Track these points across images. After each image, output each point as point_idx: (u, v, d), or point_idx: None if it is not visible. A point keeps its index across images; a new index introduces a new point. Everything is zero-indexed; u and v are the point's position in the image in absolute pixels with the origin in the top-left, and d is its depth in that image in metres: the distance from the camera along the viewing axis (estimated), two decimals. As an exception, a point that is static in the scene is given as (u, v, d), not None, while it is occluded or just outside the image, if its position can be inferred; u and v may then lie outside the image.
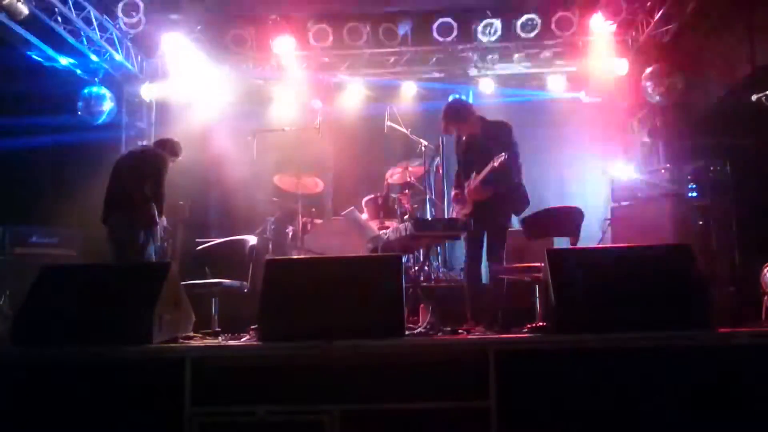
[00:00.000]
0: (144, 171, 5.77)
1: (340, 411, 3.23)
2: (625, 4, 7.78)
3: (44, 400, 3.34)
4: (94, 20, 7.79)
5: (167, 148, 6.06)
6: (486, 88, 9.10)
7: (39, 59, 7.83)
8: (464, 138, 5.52)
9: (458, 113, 5.41)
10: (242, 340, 4.16)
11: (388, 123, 7.10)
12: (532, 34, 8.41)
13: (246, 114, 9.03)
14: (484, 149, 5.19)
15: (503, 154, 4.86)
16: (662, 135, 8.66)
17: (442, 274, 7.24)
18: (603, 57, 8.73)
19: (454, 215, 5.59)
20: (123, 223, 5.58)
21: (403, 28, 8.65)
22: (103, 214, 5.76)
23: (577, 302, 3.53)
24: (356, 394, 3.27)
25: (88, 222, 7.21)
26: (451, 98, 8.11)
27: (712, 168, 7.09)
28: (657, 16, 7.91)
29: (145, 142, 8.95)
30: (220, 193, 9.03)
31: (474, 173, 5.27)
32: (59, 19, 7.42)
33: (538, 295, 4.67)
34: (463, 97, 8.60)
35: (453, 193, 5.62)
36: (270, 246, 7.57)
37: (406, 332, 3.78)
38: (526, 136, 7.56)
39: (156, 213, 5.69)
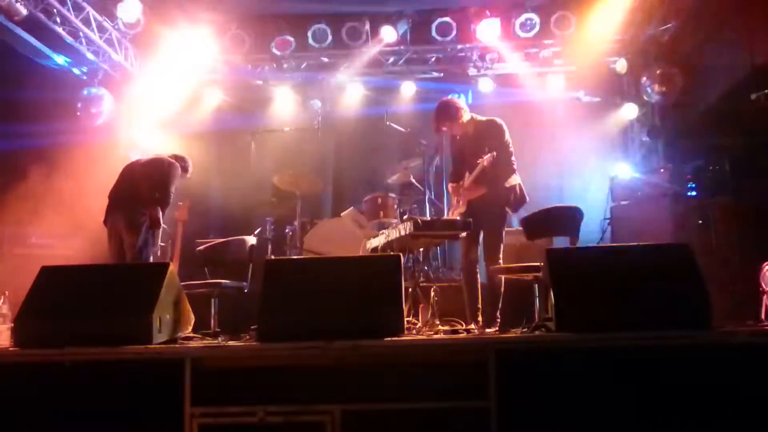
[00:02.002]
0: (155, 174, 5.84)
1: (340, 411, 3.23)
2: (624, 3, 7.78)
3: (44, 401, 3.34)
4: (93, 21, 7.79)
5: (179, 161, 6.11)
6: (485, 88, 9.10)
7: (38, 60, 7.83)
8: (458, 137, 5.53)
9: (449, 112, 5.41)
10: (242, 340, 4.16)
11: (388, 123, 7.12)
12: (531, 34, 8.43)
13: (245, 114, 9.04)
14: (476, 148, 5.19)
15: (492, 153, 4.88)
16: (661, 134, 8.67)
17: (441, 273, 7.24)
18: (602, 56, 8.74)
19: (450, 214, 5.59)
20: (127, 224, 5.61)
21: (402, 28, 8.65)
22: (105, 214, 5.78)
23: (577, 302, 3.53)
24: (356, 394, 3.27)
25: (87, 222, 7.21)
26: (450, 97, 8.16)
27: (711, 167, 7.10)
28: (656, 16, 7.91)
29: (145, 144, 8.96)
30: (220, 194, 9.04)
31: (467, 173, 5.28)
32: (58, 19, 7.41)
33: (537, 294, 4.66)
34: (458, 96, 8.61)
35: (450, 186, 5.61)
36: (269, 246, 7.57)
37: (406, 332, 3.78)
38: (525, 135, 7.57)
39: (161, 216, 5.74)
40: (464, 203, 5.30)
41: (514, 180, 5.27)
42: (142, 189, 5.74)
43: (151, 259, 5.81)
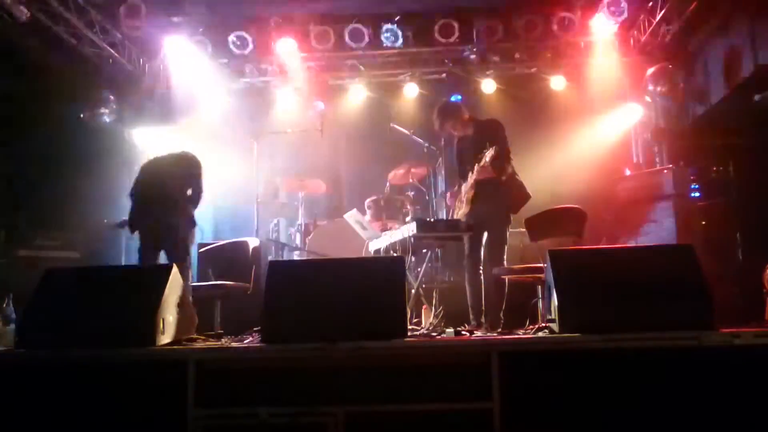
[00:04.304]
0: (186, 171, 5.68)
1: (343, 412, 3.24)
2: (627, 5, 7.77)
3: (48, 403, 3.35)
4: (96, 23, 7.80)
5: None
6: (488, 89, 9.10)
7: (41, 62, 7.84)
8: (459, 138, 5.56)
9: (449, 114, 5.46)
10: (245, 341, 4.16)
11: (391, 124, 7.13)
12: (534, 35, 8.43)
13: (248, 116, 9.05)
14: (477, 147, 5.23)
15: (494, 146, 4.91)
16: (664, 135, 8.65)
17: (444, 275, 7.24)
18: (605, 57, 8.74)
19: (454, 216, 5.60)
20: (167, 227, 5.41)
21: (405, 29, 8.66)
22: (134, 219, 5.56)
23: (580, 303, 3.52)
24: (359, 395, 3.27)
25: (91, 224, 7.23)
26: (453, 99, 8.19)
27: (714, 168, 7.09)
28: (659, 16, 7.91)
29: (148, 145, 8.98)
30: (223, 196, 9.04)
31: (470, 174, 5.28)
32: (61, 21, 7.43)
33: (540, 295, 4.67)
34: (459, 98, 8.66)
35: (448, 193, 5.65)
36: (273, 248, 7.58)
37: (409, 333, 3.78)
38: (527, 136, 7.59)
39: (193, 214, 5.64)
40: (467, 203, 5.30)
41: (513, 177, 5.29)
42: (175, 188, 5.56)
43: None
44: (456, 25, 8.45)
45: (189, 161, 5.79)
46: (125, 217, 5.64)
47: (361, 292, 3.64)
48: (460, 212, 5.40)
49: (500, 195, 5.20)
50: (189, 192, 5.62)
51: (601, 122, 8.98)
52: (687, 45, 8.26)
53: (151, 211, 5.50)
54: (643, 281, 3.56)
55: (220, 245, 6.40)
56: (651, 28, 8.16)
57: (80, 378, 3.38)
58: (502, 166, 5.12)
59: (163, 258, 5.57)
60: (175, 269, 3.95)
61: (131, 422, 3.31)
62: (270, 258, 7.12)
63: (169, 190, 5.55)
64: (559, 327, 3.53)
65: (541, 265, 4.40)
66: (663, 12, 7.82)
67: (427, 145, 6.92)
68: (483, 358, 3.27)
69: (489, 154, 4.92)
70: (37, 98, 7.55)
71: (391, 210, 7.16)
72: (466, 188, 5.37)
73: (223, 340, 4.45)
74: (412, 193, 7.50)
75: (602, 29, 8.21)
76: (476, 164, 5.16)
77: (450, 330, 4.35)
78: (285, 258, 7.48)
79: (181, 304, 3.96)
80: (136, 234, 5.54)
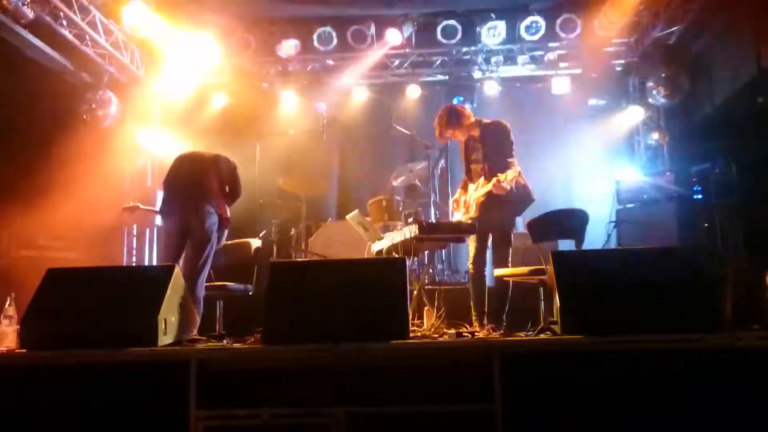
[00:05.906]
0: (224, 169, 5.65)
1: (345, 413, 3.23)
2: (630, 6, 7.77)
3: (49, 403, 3.35)
4: (99, 24, 7.81)
5: None
6: (490, 91, 9.10)
7: (44, 63, 7.85)
8: (464, 142, 5.53)
9: (450, 119, 5.38)
10: (247, 342, 4.16)
11: (393, 126, 7.13)
12: (537, 37, 8.43)
13: (251, 117, 9.05)
14: (483, 151, 5.23)
15: (512, 169, 4.86)
16: (667, 137, 8.65)
17: (446, 276, 7.23)
18: (608, 59, 8.73)
19: (454, 219, 5.58)
20: (201, 222, 5.35)
21: (407, 31, 8.67)
22: (167, 211, 5.54)
23: (583, 304, 3.52)
24: (361, 396, 3.27)
25: (94, 225, 7.23)
26: (455, 101, 8.18)
27: (717, 170, 7.08)
28: (662, 18, 7.90)
29: (151, 146, 8.98)
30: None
31: (483, 178, 5.25)
32: (64, 22, 7.44)
33: (543, 297, 4.66)
34: (462, 101, 8.64)
35: (452, 200, 5.62)
36: (274, 249, 7.58)
37: (411, 335, 3.77)
38: (530, 138, 7.57)
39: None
40: (476, 209, 5.26)
41: (517, 177, 5.26)
42: (213, 185, 5.51)
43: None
44: (459, 26, 8.46)
45: (226, 159, 5.74)
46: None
47: (362, 293, 3.63)
48: (468, 215, 5.37)
49: (508, 200, 5.16)
50: (225, 188, 5.59)
51: (604, 124, 8.97)
52: (690, 47, 8.25)
53: (181, 197, 5.46)
54: (646, 283, 3.55)
55: (222, 246, 6.40)
56: (655, 30, 8.16)
57: (82, 378, 3.37)
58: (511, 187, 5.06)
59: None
60: (177, 270, 3.94)
61: (133, 423, 3.31)
62: (272, 259, 7.13)
63: (202, 179, 5.50)
64: (561, 329, 3.52)
65: (543, 266, 4.39)
66: (667, 14, 7.82)
67: (429, 145, 6.91)
68: (485, 360, 3.26)
69: (510, 173, 4.86)
70: (39, 99, 7.56)
71: (393, 211, 7.15)
72: (474, 191, 5.33)
73: (224, 340, 4.44)
74: (415, 194, 7.50)
75: (605, 31, 8.20)
76: (490, 175, 5.09)
77: (452, 331, 4.35)
78: (286, 259, 7.48)
79: (183, 305, 3.96)
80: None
